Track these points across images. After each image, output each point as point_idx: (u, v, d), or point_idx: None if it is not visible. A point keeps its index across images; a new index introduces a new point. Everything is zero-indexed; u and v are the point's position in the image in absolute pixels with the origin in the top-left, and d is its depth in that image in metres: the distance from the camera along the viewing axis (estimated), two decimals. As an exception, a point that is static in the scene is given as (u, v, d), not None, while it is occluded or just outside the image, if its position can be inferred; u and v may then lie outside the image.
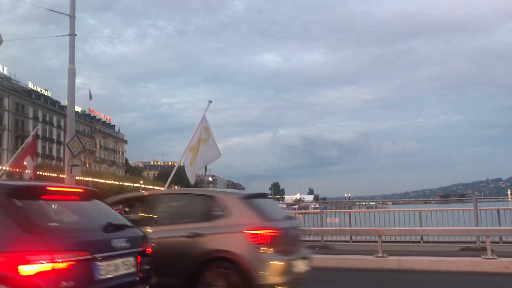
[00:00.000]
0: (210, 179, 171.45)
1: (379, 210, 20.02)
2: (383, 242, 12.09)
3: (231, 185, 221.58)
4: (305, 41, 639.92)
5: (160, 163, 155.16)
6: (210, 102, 21.13)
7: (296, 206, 57.14)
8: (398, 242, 14.04)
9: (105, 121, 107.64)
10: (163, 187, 23.28)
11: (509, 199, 35.90)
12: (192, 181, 20.02)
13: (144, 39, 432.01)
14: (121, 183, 68.55)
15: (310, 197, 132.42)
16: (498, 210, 14.08)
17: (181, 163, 17.75)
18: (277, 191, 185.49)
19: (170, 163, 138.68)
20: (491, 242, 10.91)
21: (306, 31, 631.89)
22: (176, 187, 50.88)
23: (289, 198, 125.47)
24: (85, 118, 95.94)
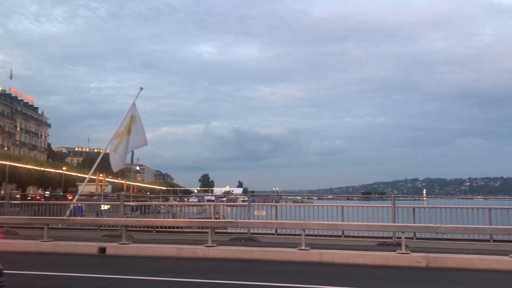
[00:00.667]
0: (138, 168, 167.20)
1: (304, 204, 20.57)
2: (307, 235, 12.47)
3: (159, 175, 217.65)
4: (241, 35, 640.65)
5: (85, 149, 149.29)
6: (141, 89, 20.53)
7: (225, 199, 57.32)
8: (321, 236, 14.54)
9: (28, 102, 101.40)
10: (87, 174, 22.46)
11: (424, 198, 38.22)
12: (115, 168, 19.33)
13: (74, 19, 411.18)
14: (42, 168, 65.09)
15: (239, 190, 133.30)
16: (413, 208, 14.92)
17: (107, 151, 17.08)
18: (207, 183, 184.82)
19: (95, 150, 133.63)
20: (405, 238, 11.60)
21: (243, 25, 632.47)
22: (101, 174, 49.07)
23: (218, 190, 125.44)
24: (5, 98, 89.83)
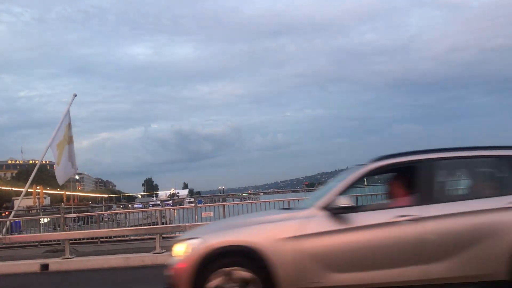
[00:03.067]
0: (77, 177, 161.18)
1: (251, 201, 20.72)
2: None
3: (100, 183, 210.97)
4: (175, 35, 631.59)
5: (19, 161, 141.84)
6: (75, 95, 19.79)
7: (170, 202, 56.44)
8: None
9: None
10: (23, 187, 21.36)
11: (365, 185, 39.50)
12: (60, 181, 18.60)
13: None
14: (-29, 185, 61.22)
15: (184, 192, 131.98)
16: (356, 197, 15.43)
17: (44, 161, 16.40)
18: (151, 187, 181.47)
19: (30, 162, 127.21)
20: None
21: (176, 24, 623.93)
22: (38, 187, 46.87)
23: (163, 193, 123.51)
24: None
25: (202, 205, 17.76)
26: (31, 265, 11.85)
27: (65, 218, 15.55)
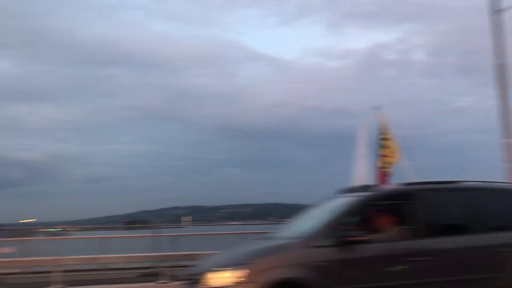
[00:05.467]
0: None
1: (62, 237, 19.02)
2: (65, 272, 11.41)
3: None
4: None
5: None
6: None
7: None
8: (80, 271, 13.52)
9: None
10: None
11: (186, 226, 39.68)
12: None
13: None
14: None
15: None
16: (175, 236, 15.30)
17: None
18: None
19: None
20: (166, 267, 11.71)
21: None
22: None
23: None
24: None
25: (2, 239, 15.60)
26: None
27: None
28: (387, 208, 5.81)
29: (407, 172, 16.18)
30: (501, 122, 13.38)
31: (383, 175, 16.64)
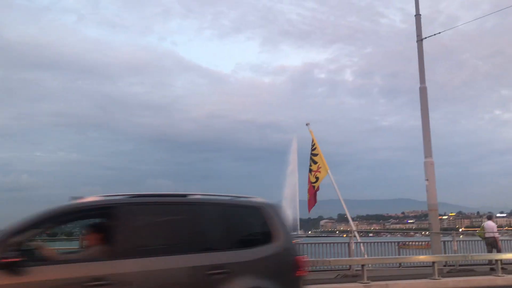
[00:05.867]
0: None
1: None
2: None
3: None
4: None
5: None
6: None
7: None
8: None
9: None
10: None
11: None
12: None
13: None
14: None
15: None
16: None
17: None
18: None
19: None
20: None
21: None
22: None
23: None
24: None
25: None
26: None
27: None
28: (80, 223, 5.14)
29: (333, 186, 16.78)
30: (423, 142, 14.25)
31: (313, 189, 17.13)
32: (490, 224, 16.59)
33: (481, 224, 17.91)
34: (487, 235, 16.08)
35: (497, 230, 17.40)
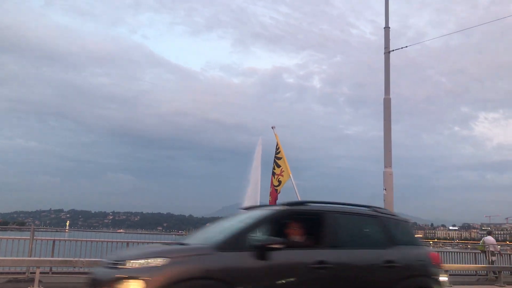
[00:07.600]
0: None
1: None
2: None
3: None
4: None
5: None
6: None
7: None
8: None
9: None
10: None
11: (67, 230, 37.39)
12: None
13: None
14: None
15: None
16: (54, 241, 14.32)
17: None
18: None
19: None
20: (41, 273, 10.88)
21: None
22: None
23: None
24: None
25: None
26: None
27: None
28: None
29: (294, 191, 16.89)
30: (384, 152, 14.54)
31: (275, 193, 17.19)
32: (490, 239, 17.38)
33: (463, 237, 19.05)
34: (489, 248, 16.83)
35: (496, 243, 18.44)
